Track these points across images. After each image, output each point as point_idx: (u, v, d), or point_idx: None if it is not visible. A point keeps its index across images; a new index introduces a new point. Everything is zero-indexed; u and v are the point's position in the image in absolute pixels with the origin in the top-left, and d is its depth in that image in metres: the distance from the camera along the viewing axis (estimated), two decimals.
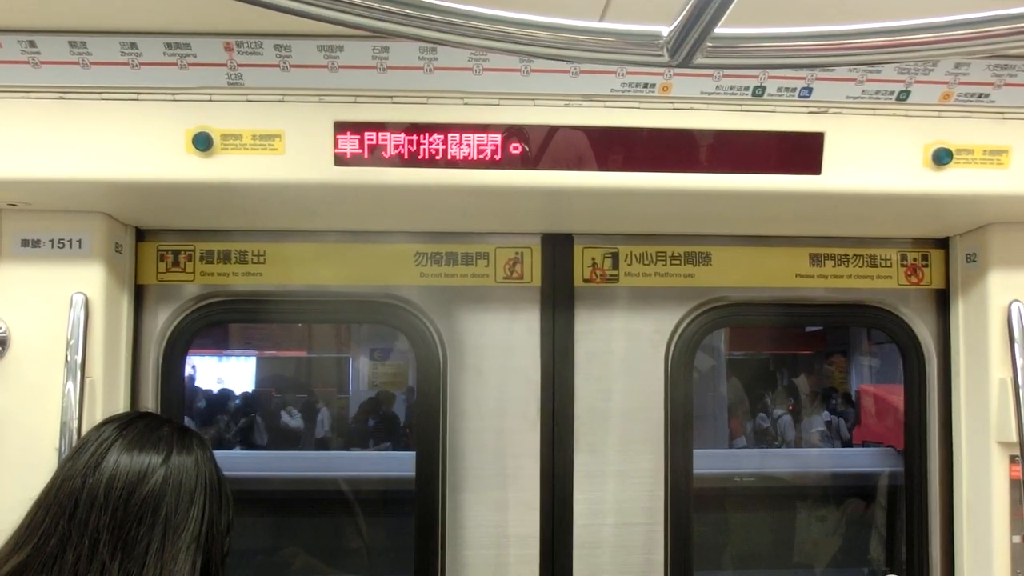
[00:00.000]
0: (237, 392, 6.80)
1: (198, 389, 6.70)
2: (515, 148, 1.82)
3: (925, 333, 2.38)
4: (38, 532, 1.28)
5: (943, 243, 2.39)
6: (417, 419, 2.31)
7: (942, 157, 1.86)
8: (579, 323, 2.30)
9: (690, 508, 2.30)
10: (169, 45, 1.69)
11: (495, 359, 2.28)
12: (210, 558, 1.36)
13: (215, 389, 6.91)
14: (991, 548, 2.15)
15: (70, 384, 1.90)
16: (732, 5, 0.96)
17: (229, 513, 1.44)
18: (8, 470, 1.94)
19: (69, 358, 1.92)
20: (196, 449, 1.41)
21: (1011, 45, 1.09)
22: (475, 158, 1.81)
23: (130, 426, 1.40)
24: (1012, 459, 2.14)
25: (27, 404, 1.96)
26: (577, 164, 1.84)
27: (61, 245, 2.02)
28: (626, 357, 2.31)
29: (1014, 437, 2.08)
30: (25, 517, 1.33)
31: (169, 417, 1.54)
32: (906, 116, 1.87)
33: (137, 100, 1.76)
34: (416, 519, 2.26)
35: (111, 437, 1.37)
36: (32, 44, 1.68)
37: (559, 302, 2.30)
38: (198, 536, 1.33)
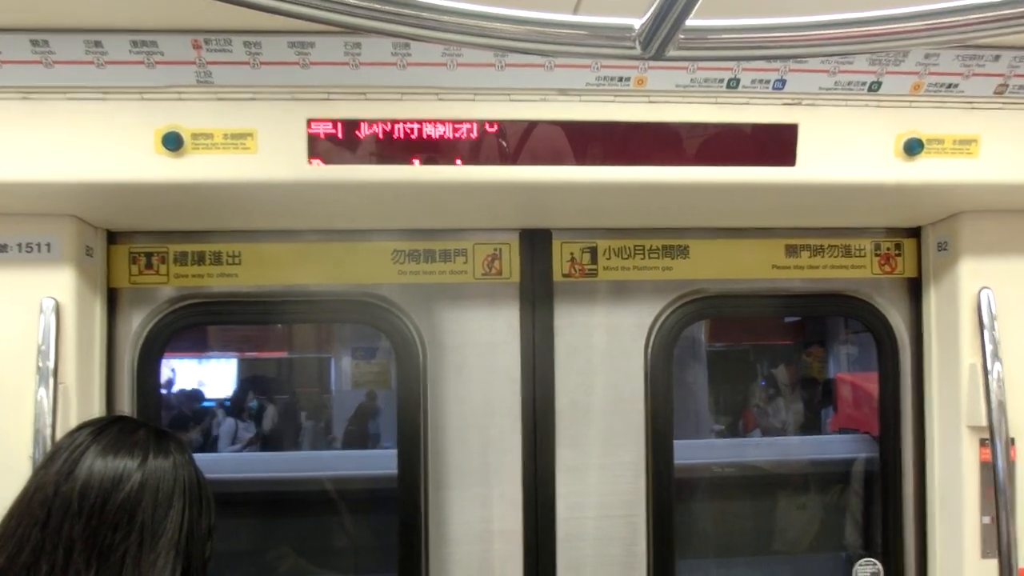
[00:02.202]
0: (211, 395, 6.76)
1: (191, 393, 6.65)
2: (491, 143, 1.82)
3: (898, 321, 2.41)
4: (11, 542, 1.24)
5: (915, 232, 2.43)
6: (399, 417, 2.30)
7: (913, 147, 1.88)
8: (559, 318, 2.30)
9: (672, 499, 2.32)
10: (135, 43, 1.66)
11: (475, 356, 2.28)
12: (191, 563, 1.32)
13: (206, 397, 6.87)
14: (962, 529, 2.19)
15: (42, 390, 1.87)
16: None
17: (210, 517, 1.40)
18: None
19: (40, 364, 1.89)
20: (174, 452, 1.37)
21: (979, 34, 1.10)
22: (450, 154, 1.81)
23: (105, 431, 1.36)
24: (982, 442, 2.19)
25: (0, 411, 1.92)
26: (554, 159, 1.83)
27: (29, 249, 1.98)
28: (606, 351, 2.32)
29: (984, 421, 2.12)
30: None
31: (146, 421, 1.51)
32: (878, 107, 1.89)
33: (104, 100, 1.72)
34: (399, 517, 2.25)
35: (85, 443, 1.33)
36: None
37: (538, 298, 2.30)
38: (177, 541, 1.29)
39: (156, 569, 1.26)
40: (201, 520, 1.37)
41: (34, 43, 1.64)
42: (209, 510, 1.41)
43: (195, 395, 6.87)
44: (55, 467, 1.30)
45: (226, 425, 6.22)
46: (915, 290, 2.42)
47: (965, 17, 1.07)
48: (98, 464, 1.30)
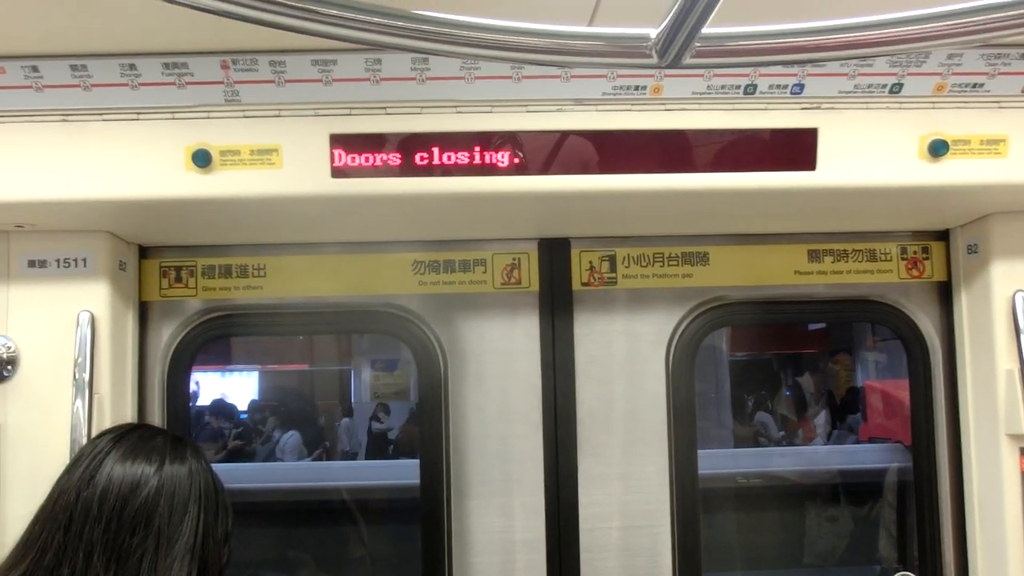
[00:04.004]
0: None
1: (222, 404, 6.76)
2: (509, 154, 1.83)
3: (928, 326, 2.36)
4: (35, 547, 1.28)
5: (943, 235, 2.38)
6: (420, 427, 2.31)
7: (938, 148, 1.86)
8: (578, 327, 2.30)
9: (697, 509, 2.29)
10: (167, 65, 1.71)
11: (496, 365, 2.29)
12: (207, 568, 1.34)
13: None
14: (1004, 541, 2.13)
15: (79, 401, 1.92)
16: (719, 5, 0.97)
17: (227, 522, 1.43)
18: (19, 487, 1.95)
19: (77, 375, 1.94)
20: (190, 458, 1.40)
21: (1001, 35, 1.09)
22: (470, 165, 1.83)
23: (124, 438, 1.40)
24: (1022, 451, 2.12)
25: (37, 421, 1.97)
26: (571, 168, 1.85)
27: (67, 264, 2.04)
28: (627, 359, 2.31)
29: (1023, 429, 2.07)
30: (24, 532, 1.33)
31: (163, 428, 1.54)
32: (900, 109, 1.87)
33: (137, 120, 1.78)
34: (422, 526, 2.26)
35: (105, 449, 1.37)
36: (35, 69, 1.71)
37: (558, 306, 2.30)
38: (193, 546, 1.32)
39: (172, 572, 1.28)
40: (217, 526, 1.39)
41: (73, 68, 1.71)
42: (226, 516, 1.43)
43: (251, 407, 6.98)
44: (77, 473, 1.34)
45: (292, 439, 6.29)
46: (945, 294, 2.37)
47: (985, 17, 1.06)
48: (117, 470, 1.33)
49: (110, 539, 1.27)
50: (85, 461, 1.35)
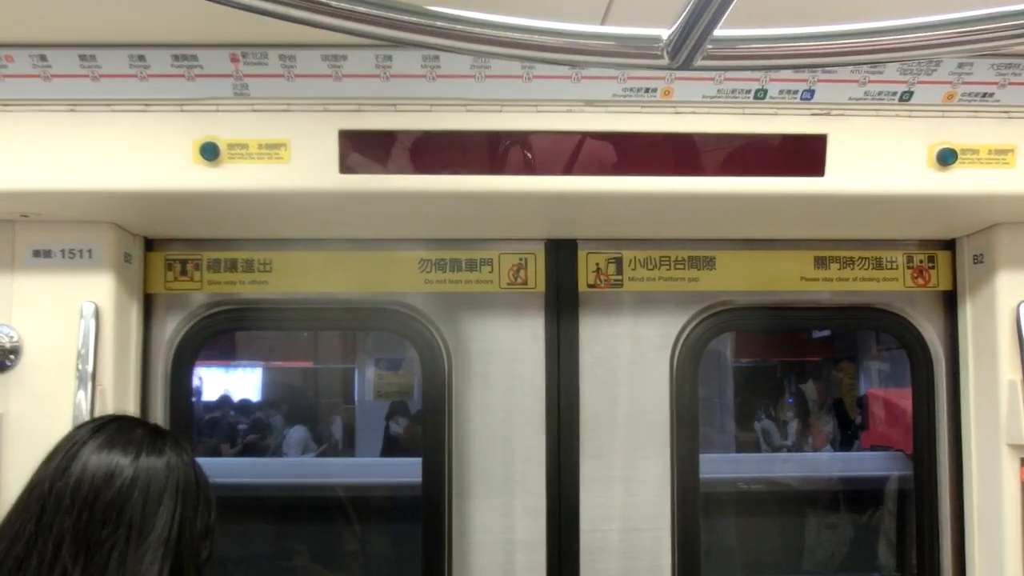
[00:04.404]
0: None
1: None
2: (518, 154, 1.83)
3: (932, 335, 2.36)
4: (7, 537, 1.26)
5: (950, 244, 2.38)
6: (423, 425, 2.31)
7: (947, 157, 1.86)
8: (584, 328, 2.30)
9: (697, 513, 2.29)
10: (176, 57, 1.71)
11: (500, 365, 2.29)
12: (183, 562, 1.31)
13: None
14: (1003, 552, 2.13)
15: (81, 393, 1.92)
16: (731, 7, 0.97)
17: (208, 517, 1.39)
18: (19, 477, 1.93)
19: (80, 367, 1.94)
20: (169, 451, 1.37)
21: (1012, 43, 1.09)
22: (478, 164, 1.83)
23: (103, 429, 1.37)
24: (1023, 462, 2.13)
25: (38, 412, 1.97)
26: (580, 169, 1.84)
27: (72, 255, 2.04)
28: (631, 362, 2.30)
29: None
30: (1, 523, 1.31)
31: (145, 420, 1.51)
32: (909, 117, 1.87)
33: (145, 111, 1.78)
34: (423, 525, 2.25)
35: (82, 440, 1.34)
36: (43, 58, 1.71)
37: (563, 308, 2.30)
38: (167, 539, 1.28)
39: (143, 566, 1.25)
40: (196, 520, 1.36)
41: (82, 58, 1.71)
42: (207, 511, 1.39)
43: (248, 403, 7.00)
44: (53, 463, 1.32)
45: (297, 433, 6.28)
46: (950, 304, 2.37)
47: (996, 25, 1.06)
48: (92, 460, 1.30)
49: (80, 530, 1.25)
50: (62, 451, 1.33)
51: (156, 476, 1.32)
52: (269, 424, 6.65)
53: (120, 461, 1.31)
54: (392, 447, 5.81)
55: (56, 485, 1.28)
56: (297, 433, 6.33)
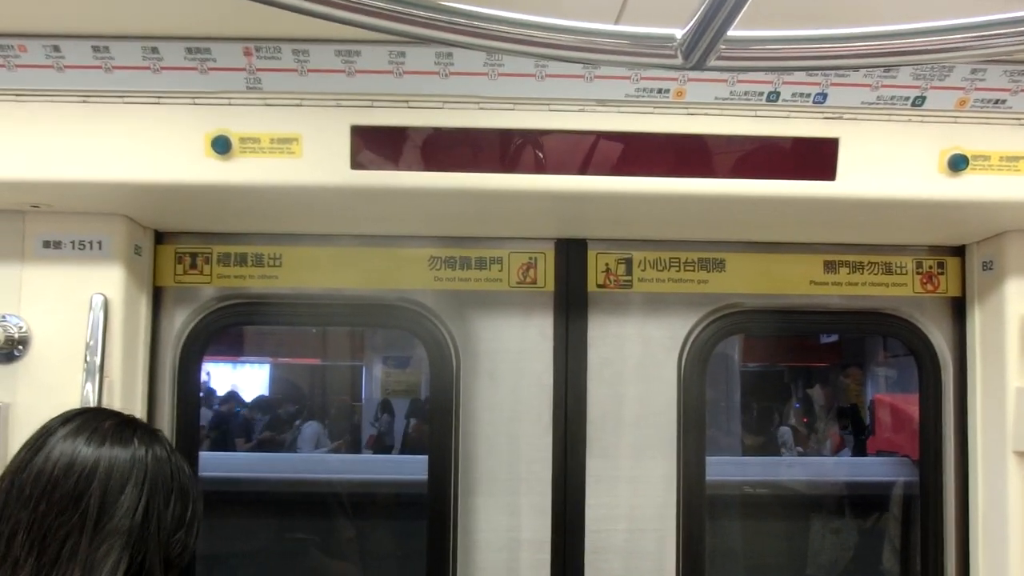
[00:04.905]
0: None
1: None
2: (530, 153, 1.83)
3: (941, 341, 2.36)
4: None
5: (959, 251, 2.37)
6: (430, 423, 2.31)
7: (958, 163, 1.85)
8: (592, 328, 2.30)
9: (703, 515, 2.29)
10: (190, 50, 1.72)
11: (508, 364, 2.29)
12: (146, 555, 1.27)
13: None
14: (1007, 559, 2.12)
15: (89, 385, 1.93)
16: (745, 8, 0.97)
17: (184, 509, 1.35)
18: None
19: (88, 359, 1.94)
20: (136, 443, 1.33)
21: None
22: (490, 162, 1.83)
23: (72, 420, 1.35)
24: None
25: (46, 403, 1.95)
26: (592, 169, 1.84)
27: (82, 247, 2.05)
28: (639, 363, 2.30)
29: None
30: None
31: (118, 412, 1.47)
32: (921, 122, 1.86)
33: (158, 104, 1.79)
34: (428, 523, 2.26)
35: (49, 430, 1.32)
36: (56, 49, 1.71)
37: (572, 307, 2.30)
38: (127, 529, 1.25)
39: (97, 555, 1.22)
40: (167, 512, 1.32)
41: (95, 49, 1.71)
42: (182, 503, 1.35)
43: (257, 399, 7.03)
44: (19, 456, 1.30)
45: (309, 429, 6.27)
46: (959, 310, 2.36)
47: (1011, 30, 1.06)
48: (56, 451, 1.28)
49: (36, 521, 1.22)
50: (29, 443, 1.31)
51: (118, 466, 1.29)
52: (279, 420, 6.66)
53: (83, 451, 1.28)
54: (414, 446, 5.82)
55: (18, 477, 1.26)
56: (310, 428, 6.32)
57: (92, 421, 1.35)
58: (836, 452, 5.06)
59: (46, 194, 1.92)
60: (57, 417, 1.37)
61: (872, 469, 3.39)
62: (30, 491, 1.24)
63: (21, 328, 2.01)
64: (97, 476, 1.27)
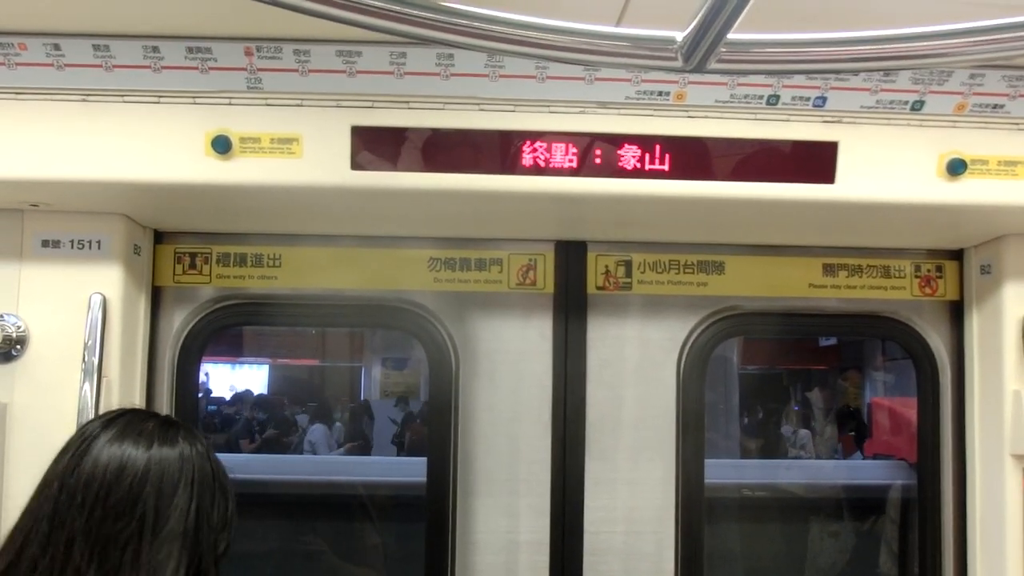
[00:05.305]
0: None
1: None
2: (530, 154, 1.84)
3: (939, 344, 2.36)
4: (20, 538, 1.24)
5: (957, 254, 2.38)
6: (429, 424, 2.31)
7: (956, 167, 1.86)
8: (592, 330, 2.30)
9: (701, 517, 2.29)
10: (191, 49, 1.72)
11: (508, 365, 2.29)
12: (200, 556, 1.28)
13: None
14: (1004, 561, 2.13)
15: (87, 384, 1.92)
16: (745, 10, 0.97)
17: (226, 508, 1.36)
18: (24, 469, 1.95)
19: (86, 358, 1.94)
20: (181, 442, 1.33)
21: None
22: (490, 164, 1.83)
23: (114, 422, 1.34)
24: None
25: (44, 403, 1.98)
26: (592, 171, 1.85)
27: (81, 246, 2.05)
28: (638, 365, 2.31)
29: None
30: (16, 522, 1.28)
31: (157, 412, 1.48)
32: (920, 126, 1.87)
33: (158, 103, 1.78)
34: (427, 523, 2.26)
35: (93, 435, 1.31)
36: (56, 47, 1.71)
37: (572, 309, 2.30)
38: (183, 532, 1.25)
39: (158, 560, 1.22)
40: (213, 512, 1.32)
41: (96, 48, 1.71)
42: (224, 502, 1.36)
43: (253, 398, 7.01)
44: (64, 460, 1.29)
45: (318, 431, 6.24)
46: (957, 313, 2.37)
47: (1010, 35, 1.07)
48: (104, 455, 1.27)
49: (93, 527, 1.21)
50: (73, 447, 1.30)
51: (169, 467, 1.29)
52: (280, 421, 6.65)
53: (132, 454, 1.27)
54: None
55: (68, 482, 1.25)
56: (318, 431, 6.30)
57: (136, 422, 1.34)
58: (848, 456, 5.06)
59: (45, 193, 1.92)
60: (96, 421, 1.36)
61: (868, 472, 3.39)
62: (82, 497, 1.24)
63: (19, 327, 2.01)
64: (150, 479, 1.26)
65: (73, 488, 1.25)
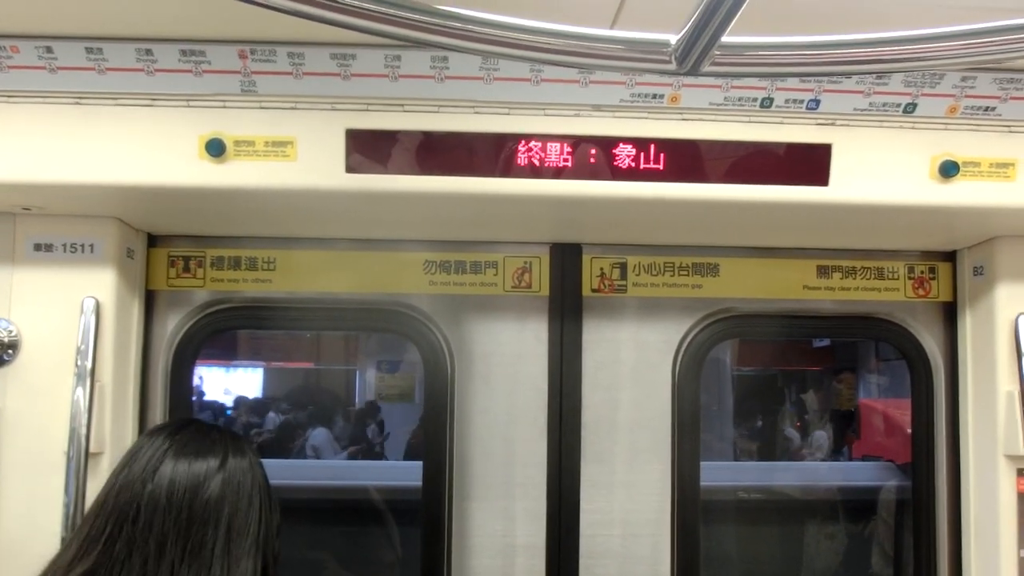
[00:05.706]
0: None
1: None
2: (525, 157, 1.84)
3: (932, 346, 2.38)
4: (101, 539, 1.29)
5: (950, 256, 2.39)
6: (425, 427, 2.31)
7: (949, 170, 1.87)
8: (587, 333, 2.30)
9: (697, 520, 2.29)
10: (184, 52, 1.71)
11: (503, 368, 2.29)
12: (268, 561, 1.37)
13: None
14: (998, 562, 2.13)
15: (79, 389, 1.91)
16: (739, 13, 0.97)
17: (278, 515, 1.45)
18: (17, 473, 1.95)
19: (79, 363, 1.93)
20: (248, 453, 1.43)
21: (1017, 55, 1.10)
22: (485, 166, 1.83)
23: (181, 432, 1.42)
24: (1019, 472, 2.14)
25: (37, 408, 1.96)
26: (586, 174, 1.85)
27: (73, 249, 2.04)
28: (634, 367, 2.31)
29: (1022, 451, 2.08)
30: (82, 526, 1.35)
31: (215, 423, 1.55)
32: (913, 128, 1.88)
33: (152, 106, 1.78)
34: (423, 527, 2.25)
35: (164, 444, 1.39)
36: (49, 50, 1.70)
37: (567, 312, 2.30)
38: (258, 538, 1.35)
39: (242, 564, 1.31)
40: (272, 518, 1.42)
41: (89, 51, 1.70)
42: (277, 509, 1.45)
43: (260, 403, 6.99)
44: (139, 467, 1.36)
45: (321, 435, 6.22)
46: (950, 315, 2.38)
47: (1002, 38, 1.07)
48: (181, 464, 1.35)
49: (182, 529, 1.30)
50: (145, 455, 1.37)
51: (244, 477, 1.38)
52: (282, 425, 6.62)
53: (210, 463, 1.36)
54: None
55: (148, 488, 1.32)
56: (320, 435, 6.27)
57: (201, 434, 1.43)
58: (853, 457, 5.07)
59: (38, 196, 1.91)
60: (160, 432, 1.43)
61: (858, 474, 3.41)
62: (167, 501, 1.32)
63: (11, 332, 1.99)
64: (230, 488, 1.36)
65: (155, 494, 1.32)
